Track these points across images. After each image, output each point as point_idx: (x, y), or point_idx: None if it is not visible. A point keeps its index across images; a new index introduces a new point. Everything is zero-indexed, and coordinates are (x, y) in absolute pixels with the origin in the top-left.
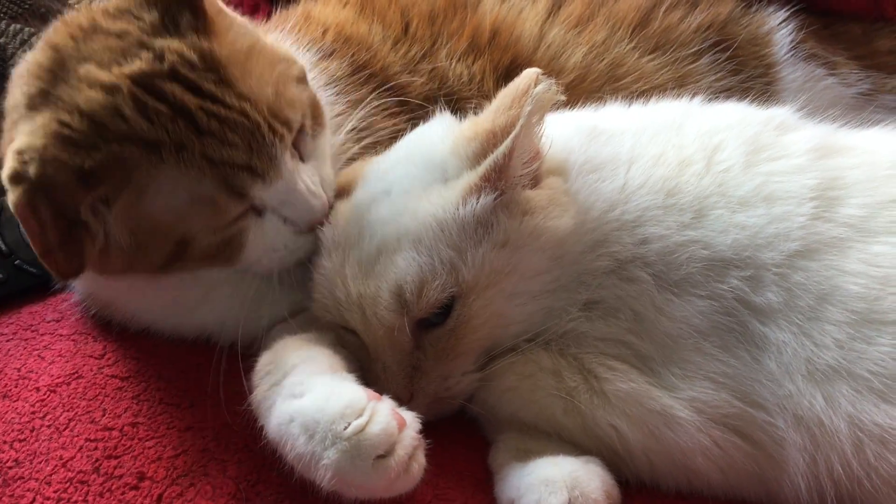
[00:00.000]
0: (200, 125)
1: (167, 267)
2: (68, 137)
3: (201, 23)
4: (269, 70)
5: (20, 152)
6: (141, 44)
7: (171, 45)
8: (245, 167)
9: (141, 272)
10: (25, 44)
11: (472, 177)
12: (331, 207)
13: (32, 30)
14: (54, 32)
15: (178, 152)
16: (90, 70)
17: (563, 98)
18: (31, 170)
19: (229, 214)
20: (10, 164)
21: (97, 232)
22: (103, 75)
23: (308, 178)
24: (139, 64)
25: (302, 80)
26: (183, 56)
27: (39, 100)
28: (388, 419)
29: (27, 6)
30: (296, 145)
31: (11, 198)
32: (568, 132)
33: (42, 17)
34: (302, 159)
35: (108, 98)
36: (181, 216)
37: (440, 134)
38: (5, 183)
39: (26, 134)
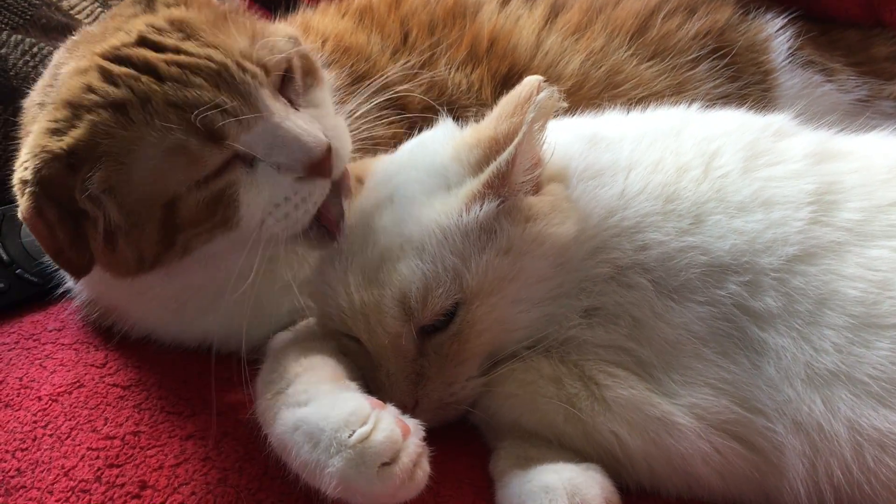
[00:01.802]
0: (161, 73)
1: (169, 241)
2: (52, 128)
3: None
4: (247, 26)
5: (23, 162)
6: (117, 28)
7: (143, 20)
8: (213, 106)
9: (152, 258)
10: (27, 54)
11: (474, 184)
12: (335, 154)
13: (34, 41)
14: (57, 55)
15: (143, 107)
16: (70, 65)
17: (565, 105)
18: (30, 172)
19: (207, 162)
20: (16, 177)
21: (97, 217)
22: (80, 63)
23: (303, 121)
24: (110, 41)
25: (292, 39)
26: (152, 25)
27: (39, 111)
28: (392, 427)
29: (28, 17)
30: (283, 92)
31: (21, 207)
32: (568, 139)
33: (43, 28)
34: (295, 107)
35: (81, 79)
36: (159, 175)
37: (442, 140)
38: (17, 196)
39: (26, 144)
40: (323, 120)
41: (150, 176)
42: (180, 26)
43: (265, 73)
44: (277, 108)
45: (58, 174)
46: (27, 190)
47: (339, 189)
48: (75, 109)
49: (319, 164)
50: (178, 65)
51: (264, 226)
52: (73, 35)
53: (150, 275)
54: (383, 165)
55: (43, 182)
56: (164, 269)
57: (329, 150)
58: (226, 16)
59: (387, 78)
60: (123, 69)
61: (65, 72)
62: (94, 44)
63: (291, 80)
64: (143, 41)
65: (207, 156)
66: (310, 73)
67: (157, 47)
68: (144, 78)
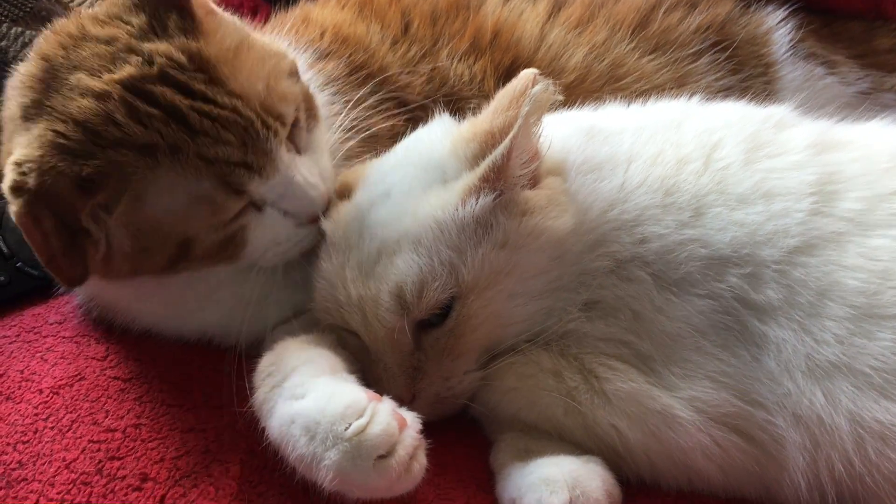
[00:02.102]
0: (193, 125)
1: (171, 268)
2: (64, 146)
3: (189, 24)
4: (260, 66)
5: (18, 163)
6: (129, 49)
7: (160, 48)
8: (241, 164)
9: (146, 274)
10: (27, 47)
11: (471, 178)
12: (330, 200)
13: (33, 33)
14: (45, 42)
15: (172, 154)
16: (81, 78)
17: (560, 98)
18: (31, 181)
19: (229, 211)
20: (9, 175)
21: (99, 239)
22: (94, 83)
23: (306, 170)
24: (129, 69)
25: (293, 73)
26: (171, 58)
27: (34, 111)
28: (388, 419)
29: (28, 9)
30: (291, 139)
31: (13, 208)
32: (566, 132)
33: (43, 21)
34: (298, 152)
35: (100, 105)
36: (181, 217)
37: (439, 135)
38: (7, 195)
39: (23, 146)
40: (319, 163)
41: (170, 217)
42: (201, 65)
43: (282, 125)
44: (290, 162)
45: (65, 192)
46: (25, 197)
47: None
48: (94, 137)
49: (319, 215)
50: (208, 117)
51: (262, 257)
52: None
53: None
54: (378, 163)
55: (47, 195)
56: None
57: (328, 201)
58: (238, 49)
59: (389, 73)
60: (150, 109)
61: (70, 81)
62: (100, 56)
63: (297, 127)
64: (165, 78)
65: (230, 205)
66: (311, 115)
67: (183, 89)
68: (174, 126)
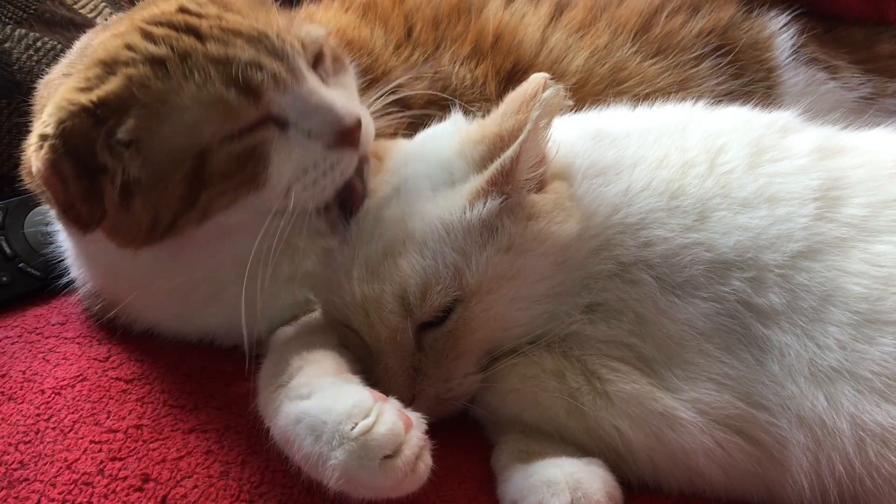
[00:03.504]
0: (203, 34)
1: (191, 199)
2: (84, 87)
3: None
4: (282, 14)
5: (43, 121)
6: (153, 3)
7: None
8: (253, 63)
9: (168, 221)
10: (30, 48)
11: (478, 181)
12: (364, 131)
13: (37, 35)
14: (83, 37)
15: (182, 62)
16: (107, 33)
17: (571, 104)
18: (51, 128)
19: (243, 116)
20: (34, 134)
21: (116, 172)
22: (119, 28)
23: (332, 92)
24: (152, 10)
25: (319, 28)
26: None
27: (64, 80)
28: (394, 419)
29: (32, 11)
30: (315, 71)
31: (35, 167)
32: (572, 136)
33: (47, 23)
34: (325, 84)
35: (120, 40)
36: (194, 126)
37: (451, 134)
38: (31, 158)
39: (49, 105)
40: (350, 98)
41: (184, 126)
42: (221, 2)
43: (302, 46)
44: (312, 78)
45: (82, 126)
46: (47, 143)
47: (363, 170)
48: (110, 66)
49: (349, 133)
50: (220, 27)
51: (290, 192)
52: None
53: (156, 254)
54: (399, 151)
55: (65, 134)
56: (175, 239)
57: (359, 121)
58: (262, 3)
59: (393, 77)
60: (164, 30)
61: (98, 40)
62: (128, 15)
63: (322, 62)
64: (183, 10)
65: (243, 109)
66: (338, 59)
67: (199, 15)
68: (185, 37)
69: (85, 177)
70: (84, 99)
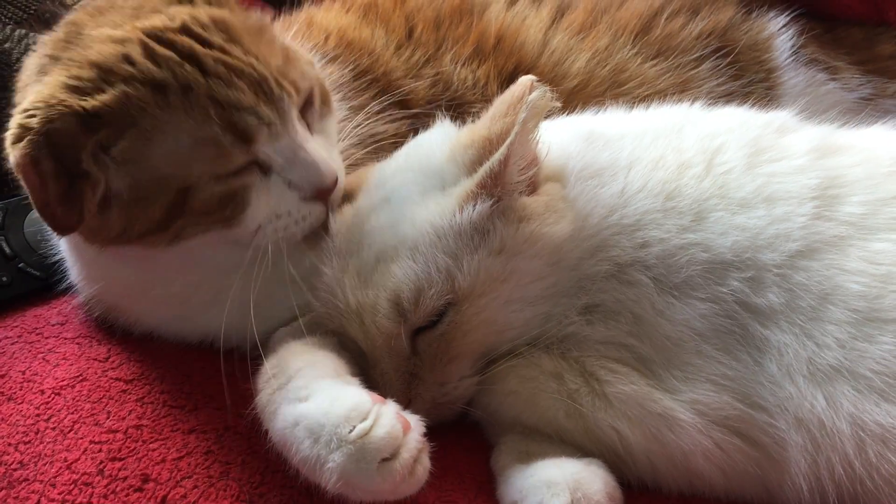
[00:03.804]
0: (207, 69)
1: (166, 224)
2: (74, 86)
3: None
4: (279, 46)
5: (26, 109)
6: (155, 10)
7: (184, 10)
8: (251, 111)
9: (138, 233)
10: (30, 49)
11: (468, 184)
12: (338, 187)
13: (37, 35)
14: (73, 13)
15: (184, 94)
16: (103, 31)
17: (558, 105)
18: (35, 121)
19: (233, 160)
20: (14, 122)
21: (98, 182)
22: (116, 32)
23: (316, 145)
24: (153, 20)
25: (310, 63)
26: (195, 17)
27: (51, 64)
28: (392, 422)
29: (32, 11)
30: (304, 116)
31: (14, 157)
32: (566, 138)
33: (47, 23)
34: (310, 132)
35: (118, 47)
36: (184, 161)
37: (438, 141)
38: (8, 147)
39: (34, 93)
40: (330, 149)
41: (174, 160)
42: (223, 27)
43: (296, 91)
44: (301, 131)
45: (69, 130)
46: (28, 137)
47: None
48: (106, 74)
49: (327, 191)
50: (223, 64)
51: (260, 231)
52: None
53: (149, 272)
54: (380, 168)
55: (50, 133)
56: (141, 248)
57: (336, 179)
58: (261, 30)
59: (394, 78)
60: (167, 52)
61: (93, 34)
62: (127, 16)
63: (311, 106)
64: (186, 30)
65: (235, 154)
66: (325, 101)
67: (202, 41)
68: (188, 67)
69: (64, 177)
70: (76, 104)
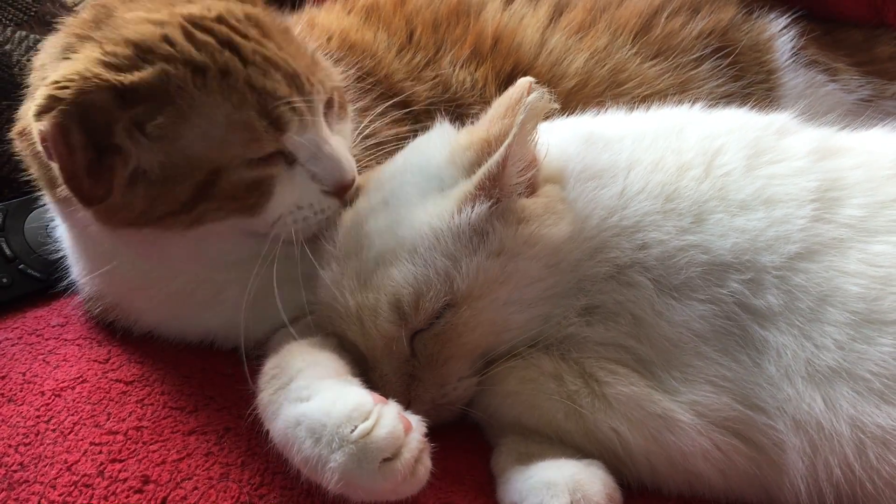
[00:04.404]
0: (246, 56)
1: (190, 206)
2: (110, 63)
3: None
4: (306, 48)
5: (56, 81)
6: (189, 0)
7: (220, 3)
8: (286, 101)
9: (159, 215)
10: (31, 51)
11: (467, 186)
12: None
13: (37, 37)
14: None
15: (222, 77)
16: (139, 14)
17: (556, 107)
18: (68, 93)
19: (264, 146)
20: (43, 93)
21: (129, 156)
22: (154, 14)
23: (337, 143)
24: (191, 8)
25: (331, 69)
26: (231, 11)
27: (80, 43)
28: (394, 422)
29: (32, 13)
30: (325, 116)
31: (42, 127)
32: (565, 139)
33: (47, 25)
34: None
35: (158, 28)
36: (218, 143)
37: (438, 143)
38: (31, 119)
39: (64, 67)
40: (347, 150)
41: (210, 140)
42: (257, 23)
43: (323, 91)
44: (325, 128)
45: (104, 104)
46: (60, 107)
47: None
48: (144, 53)
49: (347, 188)
50: (261, 55)
51: (280, 221)
52: None
53: (155, 261)
54: (379, 171)
55: (83, 105)
56: (157, 232)
57: (354, 179)
58: (287, 31)
59: (395, 80)
60: (206, 37)
61: (127, 17)
62: (163, 4)
63: (331, 109)
64: (223, 21)
65: (266, 140)
66: (342, 106)
67: (239, 32)
68: (227, 53)
69: (93, 150)
70: (112, 77)
